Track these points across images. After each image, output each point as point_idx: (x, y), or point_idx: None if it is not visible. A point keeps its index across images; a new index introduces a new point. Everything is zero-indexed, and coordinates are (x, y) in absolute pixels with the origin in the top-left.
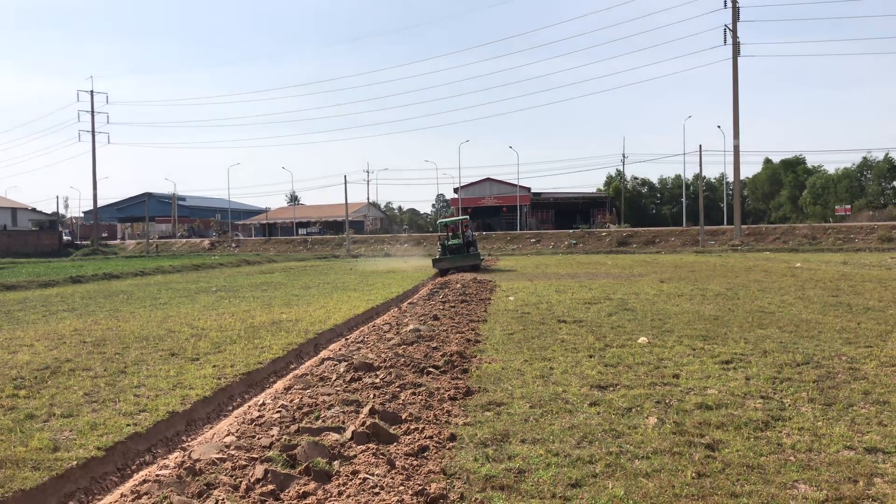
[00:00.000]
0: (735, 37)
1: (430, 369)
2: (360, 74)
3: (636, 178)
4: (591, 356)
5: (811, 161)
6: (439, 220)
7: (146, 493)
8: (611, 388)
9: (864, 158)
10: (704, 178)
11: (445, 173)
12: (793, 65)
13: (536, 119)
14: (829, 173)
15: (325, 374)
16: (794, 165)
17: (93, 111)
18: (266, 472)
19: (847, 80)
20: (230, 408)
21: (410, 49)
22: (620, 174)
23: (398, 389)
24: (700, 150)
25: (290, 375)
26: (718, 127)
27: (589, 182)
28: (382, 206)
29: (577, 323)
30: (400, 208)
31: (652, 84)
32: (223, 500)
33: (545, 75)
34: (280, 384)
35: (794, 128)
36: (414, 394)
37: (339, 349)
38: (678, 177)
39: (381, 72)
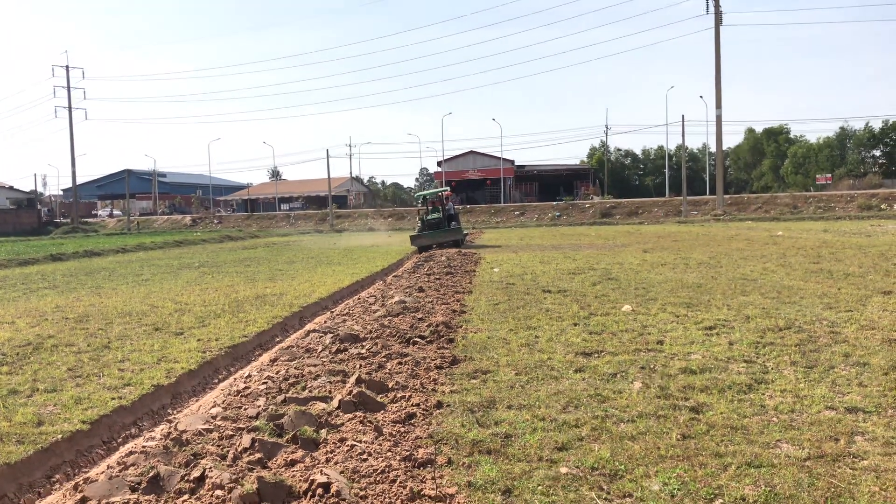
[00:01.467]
0: (717, 6)
1: (416, 339)
2: (341, 47)
3: (619, 150)
4: (575, 324)
5: (795, 130)
6: (417, 193)
7: (133, 465)
8: (595, 355)
9: (841, 128)
10: (687, 148)
11: (429, 147)
12: (775, 34)
13: (519, 91)
14: (810, 143)
15: (311, 346)
16: (777, 135)
17: (69, 86)
18: (253, 441)
19: (829, 48)
20: (216, 381)
21: (392, 21)
22: (604, 145)
23: (384, 359)
24: (683, 121)
25: (276, 348)
26: (701, 97)
27: (572, 154)
28: (365, 180)
29: (562, 293)
30: (383, 183)
31: (634, 54)
32: (210, 468)
33: (527, 46)
34: (265, 356)
35: (776, 97)
36: (400, 363)
37: (325, 322)
38: (661, 148)
39: (362, 43)
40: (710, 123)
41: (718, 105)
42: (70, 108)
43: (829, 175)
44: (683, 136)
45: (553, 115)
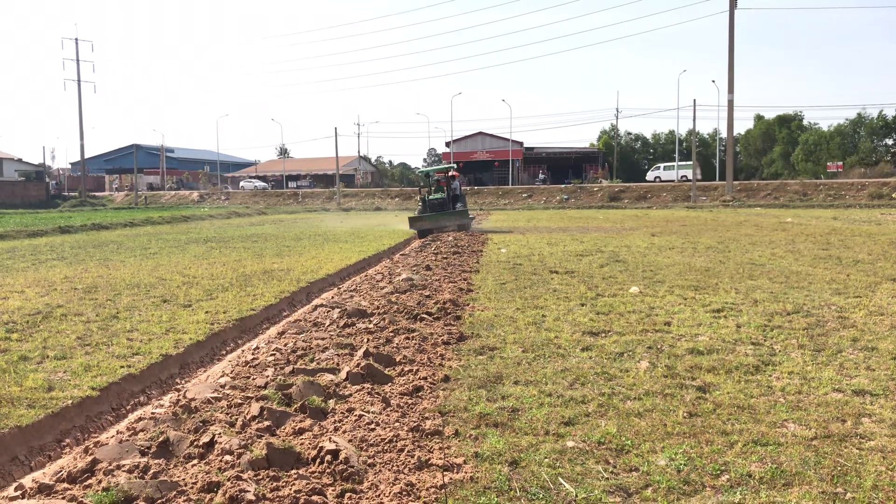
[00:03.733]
0: None
1: (424, 316)
2: (351, 24)
3: (629, 134)
4: (582, 304)
5: (807, 118)
6: (419, 170)
7: (142, 430)
8: (602, 335)
9: (859, 115)
10: (698, 133)
11: (437, 127)
12: (790, 19)
13: (530, 72)
14: (822, 130)
15: (319, 320)
16: (789, 122)
17: (78, 59)
18: (262, 409)
19: (844, 35)
20: (223, 352)
21: None
22: (614, 129)
23: (392, 334)
24: (694, 105)
25: (283, 322)
26: (713, 82)
27: (582, 137)
28: (373, 160)
29: (569, 274)
30: (390, 162)
31: (647, 37)
32: (220, 434)
33: (539, 27)
34: (273, 330)
35: (789, 84)
36: (407, 338)
37: (332, 297)
38: (671, 132)
39: (371, 21)
40: (721, 109)
41: (731, 90)
42: (79, 81)
43: (841, 163)
44: (694, 120)
45: (564, 97)
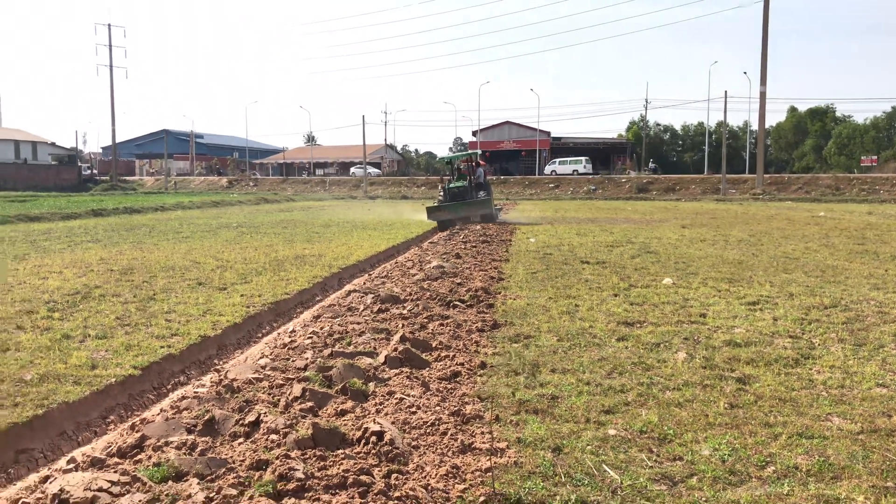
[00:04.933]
0: None
1: (457, 303)
2: (380, 12)
3: (659, 125)
4: (615, 295)
5: (840, 110)
6: (439, 158)
7: (186, 409)
8: (638, 325)
9: (894, 108)
10: (728, 125)
11: (464, 116)
12: (825, 7)
13: (559, 62)
14: (856, 123)
15: (353, 305)
16: (822, 114)
17: (110, 45)
18: (304, 390)
19: (881, 25)
20: (259, 335)
21: None
22: (643, 120)
23: (426, 320)
24: (725, 97)
25: (317, 306)
26: (745, 73)
27: (610, 128)
28: (399, 148)
29: (601, 264)
30: (416, 151)
31: (679, 27)
32: (265, 413)
33: (569, 16)
34: (308, 314)
35: (822, 76)
36: (442, 325)
37: (364, 283)
38: (701, 124)
39: (400, 9)
40: (752, 101)
41: (763, 81)
42: (111, 66)
43: (875, 157)
44: (725, 112)
45: (592, 87)
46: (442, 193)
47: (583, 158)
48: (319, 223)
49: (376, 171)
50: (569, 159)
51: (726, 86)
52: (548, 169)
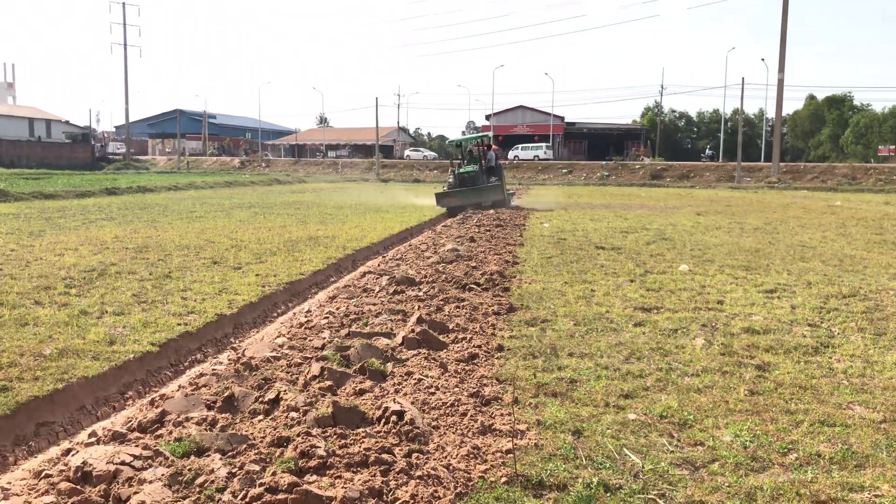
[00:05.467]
0: None
1: (472, 286)
2: None
3: (674, 112)
4: (631, 281)
5: (858, 99)
6: (449, 140)
7: (205, 385)
8: (655, 311)
9: None
10: (744, 113)
11: (478, 100)
12: None
13: (574, 46)
14: (874, 112)
15: (368, 286)
16: (840, 103)
17: (125, 23)
18: (322, 369)
19: None
20: (275, 314)
21: None
22: (658, 106)
23: (442, 303)
24: (742, 84)
25: (332, 287)
26: (762, 60)
27: (625, 114)
28: (412, 131)
29: (616, 250)
30: (429, 134)
31: (696, 12)
32: (285, 391)
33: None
34: (322, 294)
35: (840, 63)
36: (458, 307)
37: (378, 265)
38: (716, 111)
39: None
40: (769, 88)
41: (781, 69)
42: (125, 45)
43: (893, 147)
44: (742, 99)
45: (607, 72)
46: (452, 178)
47: (543, 145)
48: (332, 205)
49: (432, 154)
50: (531, 145)
51: (743, 73)
52: (511, 154)
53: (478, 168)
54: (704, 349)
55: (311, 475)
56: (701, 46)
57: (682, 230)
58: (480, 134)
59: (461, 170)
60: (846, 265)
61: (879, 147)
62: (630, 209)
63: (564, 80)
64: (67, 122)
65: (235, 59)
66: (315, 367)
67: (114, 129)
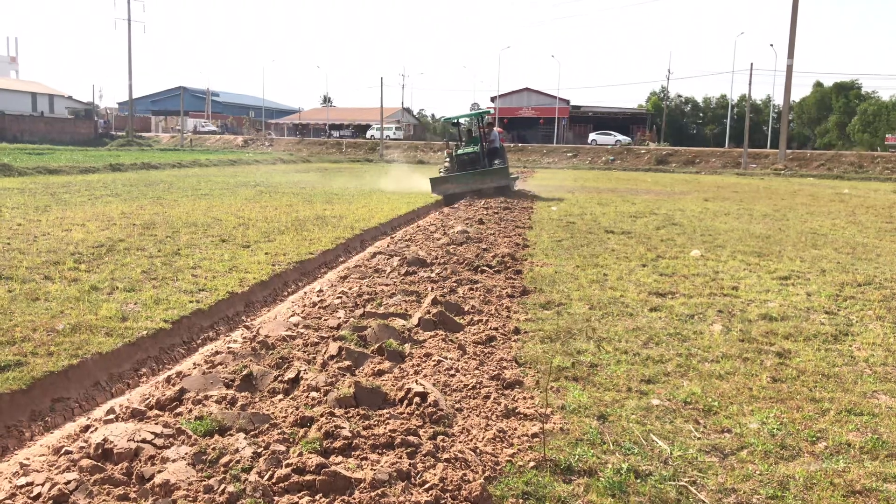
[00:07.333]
0: None
1: (484, 268)
2: None
3: (680, 97)
4: (644, 265)
5: (866, 87)
6: (445, 118)
7: (221, 363)
8: (669, 296)
9: None
10: (751, 99)
11: (483, 82)
12: None
13: (581, 29)
14: (882, 100)
15: (380, 267)
16: (847, 90)
17: None
18: (340, 349)
19: None
20: (285, 293)
21: None
22: (664, 90)
23: (455, 284)
24: (751, 69)
25: (342, 267)
26: (771, 45)
27: (631, 98)
28: (416, 112)
29: (626, 234)
30: (433, 116)
31: None
32: (305, 371)
33: None
34: (331, 274)
35: (848, 51)
36: (471, 289)
37: (388, 245)
38: (723, 96)
39: None
40: (778, 74)
41: (791, 55)
42: (129, 20)
43: None
44: (750, 85)
45: (614, 56)
46: (449, 161)
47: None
48: (337, 185)
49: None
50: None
51: (751, 58)
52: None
53: (479, 150)
54: (723, 335)
55: (337, 456)
56: (709, 31)
57: (691, 215)
58: (480, 111)
59: (460, 151)
60: (859, 253)
61: (887, 136)
62: (637, 194)
63: (571, 63)
64: (70, 98)
65: (240, 37)
66: (333, 347)
67: (117, 106)
